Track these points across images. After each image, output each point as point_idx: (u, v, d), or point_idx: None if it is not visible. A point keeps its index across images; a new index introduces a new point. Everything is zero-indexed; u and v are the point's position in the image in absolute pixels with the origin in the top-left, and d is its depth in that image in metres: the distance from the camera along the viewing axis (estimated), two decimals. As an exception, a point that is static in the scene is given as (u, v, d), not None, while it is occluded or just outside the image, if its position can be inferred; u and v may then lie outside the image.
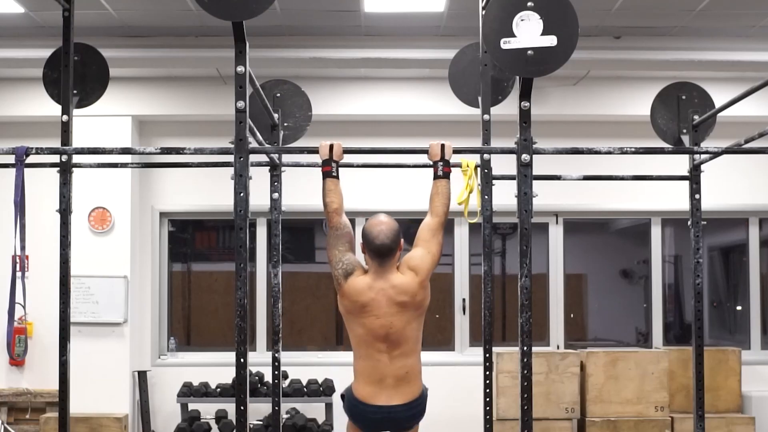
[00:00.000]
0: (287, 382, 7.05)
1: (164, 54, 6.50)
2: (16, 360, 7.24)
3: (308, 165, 4.62)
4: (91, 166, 4.77)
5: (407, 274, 3.68)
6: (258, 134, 4.57)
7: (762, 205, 7.63)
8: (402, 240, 3.74)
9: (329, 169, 3.71)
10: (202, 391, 7.04)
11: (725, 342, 7.94)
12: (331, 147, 3.72)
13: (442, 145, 3.75)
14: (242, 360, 3.47)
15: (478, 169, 4.49)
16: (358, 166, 4.84)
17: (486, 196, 4.66)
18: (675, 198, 6.45)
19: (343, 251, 3.69)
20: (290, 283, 7.60)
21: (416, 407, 3.77)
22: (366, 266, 3.75)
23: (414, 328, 3.73)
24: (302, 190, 6.21)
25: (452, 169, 3.80)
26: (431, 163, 3.79)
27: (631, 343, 7.98)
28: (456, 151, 3.81)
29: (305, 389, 7.02)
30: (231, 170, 3.55)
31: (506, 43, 3.43)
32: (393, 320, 3.68)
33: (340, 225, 3.70)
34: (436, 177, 3.75)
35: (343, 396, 3.96)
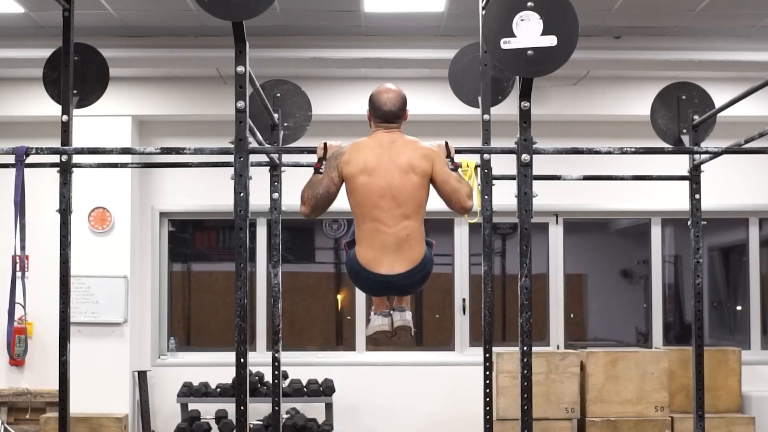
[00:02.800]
0: (287, 382, 7.05)
1: (164, 54, 6.50)
2: (16, 360, 7.24)
3: (308, 165, 4.61)
4: (91, 166, 4.78)
5: (419, 144, 3.71)
6: (258, 134, 4.57)
7: (762, 205, 7.63)
8: (408, 110, 3.79)
9: (318, 166, 3.76)
10: (202, 391, 7.04)
11: (725, 342, 7.94)
12: (326, 146, 3.75)
13: (446, 143, 3.77)
14: (242, 360, 3.47)
15: (478, 169, 4.50)
16: (358, 166, 4.83)
17: (486, 196, 4.66)
18: (675, 198, 6.45)
19: (313, 182, 3.69)
20: (290, 283, 7.60)
21: (418, 273, 3.73)
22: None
23: (415, 190, 3.66)
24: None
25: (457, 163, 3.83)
26: None
27: (631, 343, 7.98)
28: (456, 151, 3.82)
29: (305, 389, 7.02)
30: (231, 170, 3.55)
31: (506, 43, 3.43)
32: (394, 179, 3.64)
33: (305, 194, 3.70)
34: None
35: (346, 251, 3.88)
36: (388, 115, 3.73)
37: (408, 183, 3.64)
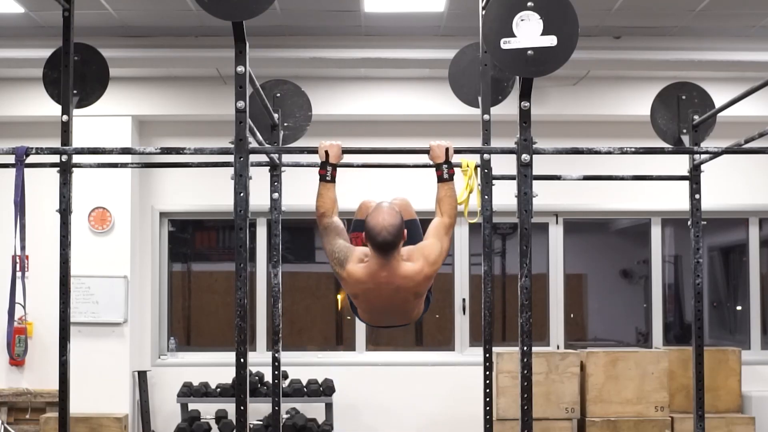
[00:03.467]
0: (287, 382, 7.05)
1: (164, 54, 6.49)
2: (16, 360, 7.24)
3: (308, 165, 4.62)
4: (91, 166, 4.77)
5: (417, 262, 3.66)
6: (258, 134, 4.57)
7: (762, 205, 7.63)
8: (405, 230, 3.66)
9: (323, 173, 3.71)
10: (202, 391, 7.04)
11: (725, 342, 7.94)
12: (327, 153, 3.71)
13: (446, 149, 3.74)
14: (242, 360, 3.46)
15: (478, 169, 4.49)
16: (358, 166, 4.83)
17: (486, 196, 4.65)
18: (675, 198, 6.45)
19: (334, 242, 3.70)
20: (290, 283, 7.60)
21: (417, 321, 3.98)
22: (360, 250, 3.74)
23: (416, 302, 3.77)
24: (302, 190, 6.17)
25: (454, 169, 3.81)
26: (432, 163, 3.79)
27: (631, 343, 7.98)
28: (456, 151, 3.81)
29: (305, 389, 7.02)
30: (231, 170, 3.55)
31: (506, 43, 3.43)
32: (394, 303, 3.70)
33: (328, 224, 3.72)
34: (441, 180, 3.74)
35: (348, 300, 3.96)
36: (383, 247, 3.58)
37: (409, 305, 3.75)
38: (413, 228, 3.84)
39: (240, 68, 3.50)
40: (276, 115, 5.07)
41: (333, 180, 3.73)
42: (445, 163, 3.72)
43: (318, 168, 3.74)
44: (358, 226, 3.88)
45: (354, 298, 3.78)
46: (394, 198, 4.00)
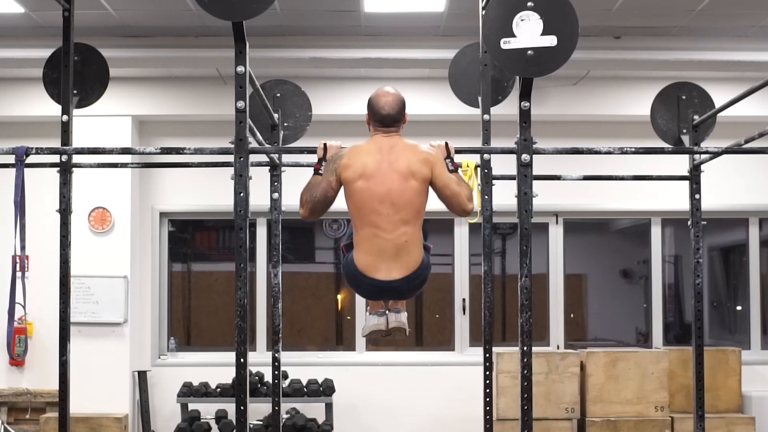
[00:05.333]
0: (287, 382, 7.05)
1: (164, 54, 6.50)
2: (16, 360, 7.24)
3: (308, 165, 4.61)
4: (91, 166, 4.78)
5: (419, 148, 3.70)
6: (258, 134, 4.57)
7: (762, 205, 7.63)
8: (407, 113, 3.78)
9: (317, 167, 3.76)
10: (202, 391, 7.04)
11: (725, 342, 7.94)
12: (325, 146, 3.76)
13: (446, 143, 3.77)
14: (242, 360, 3.47)
15: (478, 169, 4.50)
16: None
17: (486, 196, 4.66)
18: (675, 198, 6.45)
19: (311, 184, 3.70)
20: (290, 283, 7.60)
21: (416, 279, 3.74)
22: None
23: (414, 195, 3.66)
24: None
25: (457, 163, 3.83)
26: None
27: (631, 343, 7.98)
28: (456, 151, 3.82)
29: (305, 389, 7.02)
30: (231, 170, 3.55)
31: (506, 43, 3.43)
32: (393, 184, 3.63)
33: (308, 196, 3.70)
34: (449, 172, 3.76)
35: (343, 254, 3.89)
36: (386, 119, 3.72)
37: (407, 189, 3.63)
38: None
39: (240, 68, 3.50)
40: (276, 115, 5.07)
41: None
42: (447, 157, 3.75)
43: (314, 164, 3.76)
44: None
45: (354, 184, 3.64)
46: None
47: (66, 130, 4.21)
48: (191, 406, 7.09)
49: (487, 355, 4.70)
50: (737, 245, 7.95)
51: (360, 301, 7.50)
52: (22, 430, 7.18)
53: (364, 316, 7.49)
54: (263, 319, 7.56)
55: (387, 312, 3.86)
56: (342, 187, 3.70)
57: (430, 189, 3.74)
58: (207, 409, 7.09)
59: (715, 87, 5.32)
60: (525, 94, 3.62)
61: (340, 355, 7.71)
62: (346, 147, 3.76)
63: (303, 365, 7.38)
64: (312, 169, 3.80)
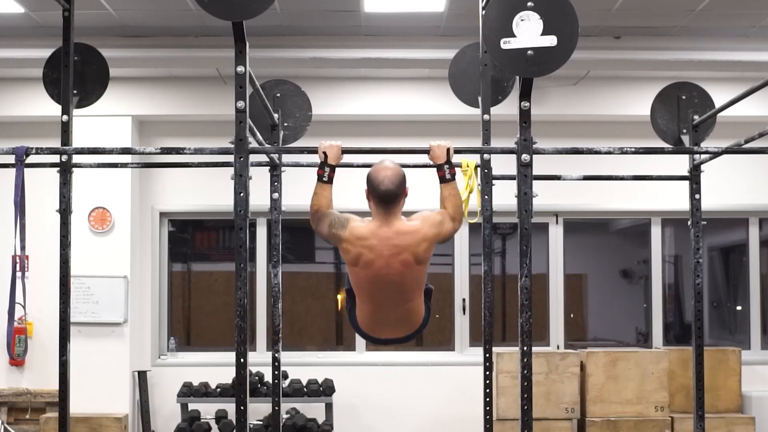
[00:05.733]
0: (287, 382, 7.05)
1: (164, 54, 6.49)
2: (16, 360, 7.24)
3: (308, 165, 4.62)
4: (91, 166, 4.77)
5: (417, 222, 3.66)
6: (258, 134, 4.57)
7: (762, 205, 7.63)
8: (407, 187, 3.68)
9: (321, 173, 3.73)
10: (202, 391, 7.04)
11: (725, 342, 7.93)
12: (326, 155, 3.72)
13: (447, 149, 3.74)
14: (242, 360, 3.47)
15: (478, 169, 4.50)
16: (358, 166, 4.83)
17: (486, 196, 4.66)
18: (675, 198, 6.45)
19: (329, 217, 3.68)
20: (290, 283, 7.60)
21: (417, 333, 3.89)
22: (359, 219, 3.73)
23: (417, 276, 3.69)
24: (302, 190, 6.10)
25: (455, 169, 3.82)
26: (433, 164, 3.79)
27: (631, 343, 7.98)
28: (456, 151, 3.81)
29: (305, 389, 7.02)
30: (231, 170, 3.55)
31: (506, 43, 3.43)
32: (395, 268, 3.61)
33: (322, 213, 3.70)
34: (444, 180, 3.74)
35: (346, 296, 3.93)
36: (386, 196, 3.59)
37: (409, 274, 3.66)
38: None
39: (240, 68, 3.50)
40: (276, 115, 5.07)
41: (330, 181, 3.74)
42: (446, 163, 3.73)
43: (317, 168, 3.75)
44: None
45: (353, 267, 3.67)
46: None
47: (66, 130, 4.21)
48: (191, 406, 7.09)
49: (487, 355, 4.70)
50: (737, 245, 7.94)
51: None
52: (22, 430, 7.18)
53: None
54: (263, 319, 7.56)
55: None
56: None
57: (439, 191, 3.77)
58: (207, 409, 7.09)
59: (715, 87, 5.32)
60: (525, 94, 3.62)
61: (340, 355, 7.71)
62: (344, 224, 3.68)
63: (303, 365, 7.38)
64: (316, 172, 3.78)
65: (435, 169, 3.77)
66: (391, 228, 3.62)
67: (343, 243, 3.64)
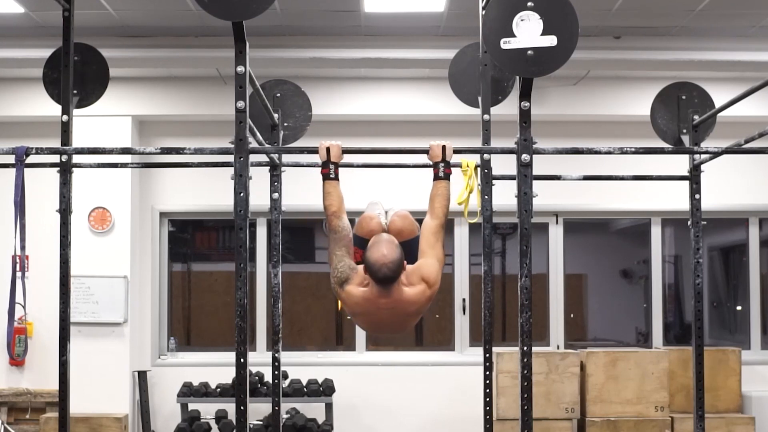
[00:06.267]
0: (287, 382, 7.05)
1: (164, 54, 6.49)
2: (16, 360, 7.24)
3: (308, 165, 4.63)
4: (91, 166, 4.77)
5: (418, 285, 3.62)
6: (258, 134, 4.57)
7: (762, 205, 7.63)
8: (405, 262, 3.60)
9: (327, 172, 3.70)
10: (202, 391, 7.04)
11: (725, 342, 7.94)
12: (329, 149, 3.71)
13: (443, 147, 3.74)
14: (242, 360, 3.46)
15: (478, 169, 4.49)
16: (358, 166, 4.84)
17: (486, 196, 4.65)
18: (675, 198, 6.45)
19: (340, 256, 3.63)
20: (290, 283, 7.60)
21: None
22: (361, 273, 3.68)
23: (416, 319, 3.78)
24: (302, 190, 6.21)
25: (452, 169, 3.79)
26: (431, 163, 3.79)
27: (631, 343, 7.98)
28: (456, 151, 3.81)
29: (305, 389, 7.02)
30: (231, 170, 3.55)
31: (506, 43, 3.43)
32: (395, 323, 3.67)
33: (339, 228, 3.66)
34: (436, 178, 3.74)
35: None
36: (384, 281, 3.55)
37: (409, 321, 3.73)
38: (415, 245, 3.81)
39: (240, 68, 3.50)
40: (276, 115, 5.07)
41: (337, 177, 3.73)
42: (441, 161, 3.72)
43: (319, 168, 3.73)
44: (357, 242, 3.80)
45: (352, 316, 3.77)
46: (395, 212, 3.99)
47: (66, 130, 4.20)
48: (191, 406, 7.09)
49: (487, 355, 4.70)
50: (737, 245, 7.95)
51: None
52: (22, 430, 7.18)
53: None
54: (263, 319, 7.56)
55: None
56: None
57: (431, 187, 3.76)
58: (207, 409, 7.09)
59: (715, 87, 5.32)
60: (525, 94, 3.62)
61: (340, 355, 7.71)
62: (345, 282, 3.64)
63: (303, 365, 7.38)
64: (320, 172, 3.77)
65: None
66: (392, 298, 3.59)
67: (340, 299, 3.69)
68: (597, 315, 8.10)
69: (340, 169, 3.77)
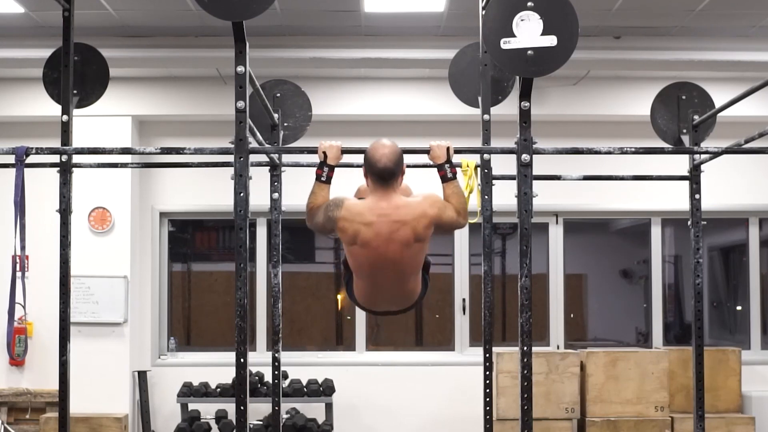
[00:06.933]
0: (287, 382, 7.05)
1: (164, 54, 6.49)
2: (16, 360, 7.24)
3: (308, 165, 4.62)
4: (91, 166, 4.77)
5: (417, 198, 3.66)
6: (258, 134, 4.57)
7: (762, 205, 7.63)
8: (405, 165, 3.68)
9: (320, 173, 3.73)
10: (202, 391, 7.04)
11: (725, 342, 7.93)
12: (325, 154, 3.73)
13: (447, 148, 3.75)
14: (242, 360, 3.47)
15: (478, 169, 4.50)
16: (358, 166, 4.82)
17: (486, 196, 4.66)
18: (675, 198, 6.45)
19: (322, 205, 3.66)
20: (290, 283, 7.60)
21: (414, 307, 3.91)
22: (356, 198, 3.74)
23: (415, 255, 3.66)
24: (302, 190, 6.07)
25: (456, 169, 3.82)
26: (433, 164, 3.79)
27: (631, 343, 7.98)
28: (456, 151, 3.82)
29: (305, 389, 7.02)
30: (231, 170, 3.55)
31: (506, 43, 3.43)
32: (393, 246, 3.58)
33: (315, 209, 3.69)
34: (445, 180, 3.73)
35: (344, 268, 3.90)
36: (383, 174, 3.59)
37: (407, 253, 3.62)
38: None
39: (240, 68, 3.50)
40: (276, 115, 5.07)
41: (328, 181, 3.74)
42: (446, 162, 3.73)
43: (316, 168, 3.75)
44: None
45: (350, 246, 3.64)
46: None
47: (66, 130, 4.21)
48: (191, 406, 7.09)
49: (487, 355, 4.70)
50: (737, 245, 7.95)
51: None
52: (22, 430, 7.18)
53: (364, 315, 7.53)
54: (263, 319, 7.56)
55: None
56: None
57: (442, 190, 3.76)
58: (207, 409, 7.09)
59: (715, 87, 5.32)
60: (525, 94, 3.62)
61: (340, 355, 7.71)
62: (340, 203, 3.66)
63: (303, 365, 7.38)
64: (315, 172, 3.79)
65: (436, 169, 3.77)
66: (390, 203, 3.60)
67: (340, 222, 3.60)
68: (597, 315, 8.10)
69: (339, 169, 3.78)
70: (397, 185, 3.65)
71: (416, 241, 3.61)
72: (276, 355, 5.08)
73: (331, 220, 3.62)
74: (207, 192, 7.36)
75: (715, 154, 4.52)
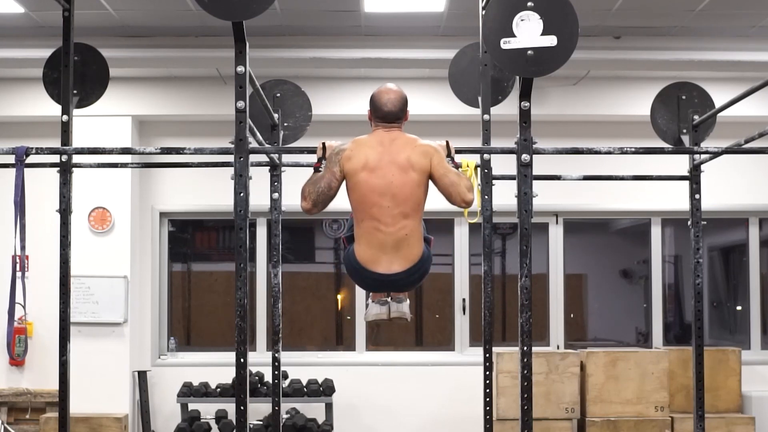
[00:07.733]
0: (287, 382, 7.05)
1: (164, 54, 6.49)
2: (16, 360, 7.24)
3: (308, 165, 4.61)
4: (91, 166, 4.78)
5: (418, 141, 3.74)
6: (258, 134, 4.57)
7: (762, 205, 7.63)
8: (408, 111, 3.84)
9: (317, 166, 3.79)
10: (202, 391, 7.04)
11: (725, 342, 7.93)
12: (324, 146, 3.78)
13: (447, 142, 3.80)
14: (242, 360, 3.47)
15: (478, 169, 4.50)
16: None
17: (486, 196, 4.66)
18: (675, 198, 6.45)
19: (323, 170, 3.72)
20: (290, 283, 7.60)
21: (416, 272, 3.77)
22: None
23: (414, 187, 3.68)
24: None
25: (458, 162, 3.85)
26: None
27: (631, 343, 7.98)
28: (456, 151, 3.83)
29: (305, 389, 7.02)
30: (231, 170, 3.55)
31: (506, 43, 3.43)
32: (394, 177, 3.66)
33: (316, 180, 3.71)
34: None
35: (344, 246, 3.92)
36: (388, 116, 3.76)
37: (408, 181, 3.66)
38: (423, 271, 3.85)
39: (240, 68, 3.50)
40: (276, 115, 5.07)
41: None
42: (447, 156, 3.77)
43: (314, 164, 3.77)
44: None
45: (356, 176, 3.66)
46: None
47: (66, 130, 4.21)
48: (191, 406, 7.09)
49: (487, 355, 4.70)
50: (737, 245, 7.95)
51: (360, 302, 7.50)
52: (22, 430, 7.18)
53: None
54: (263, 319, 7.56)
55: (389, 301, 3.91)
56: (345, 180, 3.71)
57: (430, 182, 3.75)
58: (207, 409, 7.09)
59: (715, 87, 5.32)
60: (525, 94, 3.62)
61: (340, 355, 7.71)
62: (348, 142, 3.76)
63: (303, 365, 7.38)
64: (312, 168, 3.81)
65: None
66: (394, 135, 3.75)
67: (347, 152, 3.68)
68: (597, 315, 8.10)
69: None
70: (401, 127, 3.81)
71: (414, 171, 3.67)
72: (276, 355, 5.08)
73: (337, 164, 3.68)
74: (207, 192, 7.36)
75: (715, 154, 4.52)
